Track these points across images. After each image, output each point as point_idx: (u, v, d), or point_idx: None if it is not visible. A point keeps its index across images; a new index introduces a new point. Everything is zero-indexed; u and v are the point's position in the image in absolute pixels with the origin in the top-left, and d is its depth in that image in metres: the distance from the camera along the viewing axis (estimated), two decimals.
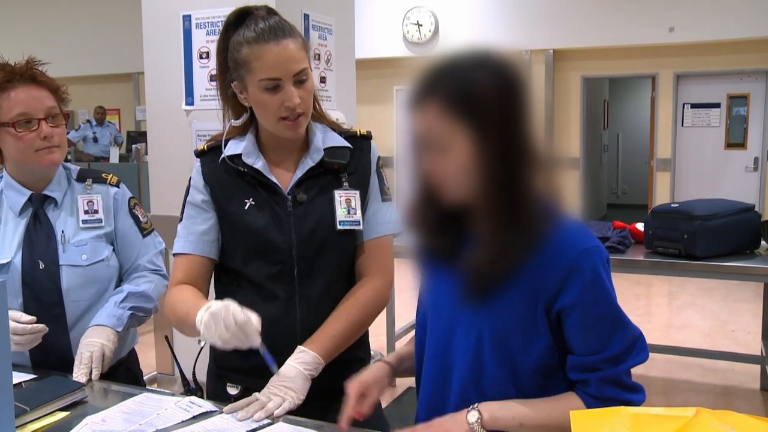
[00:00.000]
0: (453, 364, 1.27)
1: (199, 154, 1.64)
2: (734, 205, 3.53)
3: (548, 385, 1.22)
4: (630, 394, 1.19)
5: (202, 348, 1.67)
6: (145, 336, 3.36)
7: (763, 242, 3.50)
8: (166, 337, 1.85)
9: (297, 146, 1.60)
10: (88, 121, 10.17)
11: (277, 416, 1.37)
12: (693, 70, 8.39)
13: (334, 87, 3.82)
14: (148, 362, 3.82)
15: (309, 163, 1.57)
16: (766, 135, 8.26)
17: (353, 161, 1.61)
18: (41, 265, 1.72)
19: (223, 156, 1.58)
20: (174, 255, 1.61)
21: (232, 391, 1.60)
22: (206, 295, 1.58)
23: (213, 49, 3.27)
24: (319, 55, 3.67)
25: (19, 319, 1.61)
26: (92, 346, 1.65)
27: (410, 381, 1.47)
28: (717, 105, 8.45)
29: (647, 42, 8.15)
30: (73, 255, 1.75)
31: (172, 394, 1.53)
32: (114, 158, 8.79)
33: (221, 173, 1.59)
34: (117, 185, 1.88)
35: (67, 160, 1.86)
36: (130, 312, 1.76)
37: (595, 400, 1.18)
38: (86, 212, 1.80)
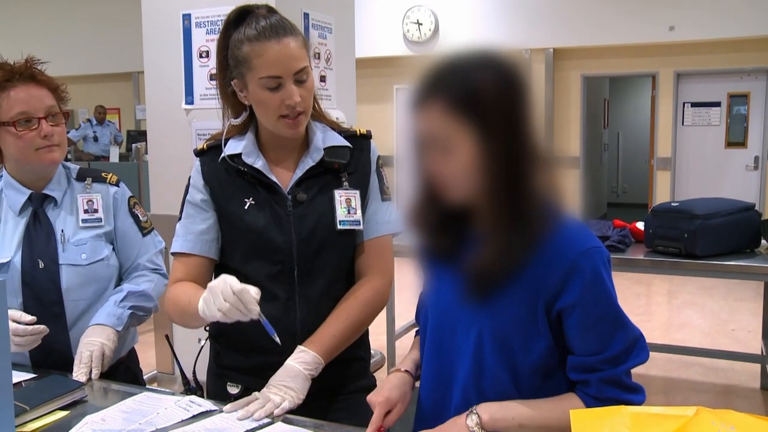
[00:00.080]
0: (453, 364, 1.27)
1: (198, 153, 1.64)
2: (734, 204, 3.53)
3: (548, 385, 1.21)
4: (630, 394, 1.18)
5: (202, 347, 1.67)
6: (145, 335, 3.37)
7: (763, 241, 3.50)
8: (167, 336, 1.85)
9: (297, 145, 1.59)
10: (88, 120, 10.16)
11: (277, 416, 1.37)
12: (693, 68, 8.39)
13: (333, 86, 3.82)
14: (149, 361, 3.82)
15: (309, 162, 1.57)
16: (766, 134, 8.26)
17: (353, 161, 1.61)
18: (41, 265, 1.72)
19: (222, 155, 1.58)
20: (172, 254, 1.61)
21: (233, 390, 1.60)
22: None
23: (213, 48, 3.27)
24: (318, 54, 3.66)
25: (20, 319, 1.61)
26: (92, 345, 1.65)
27: None
28: (717, 104, 8.44)
29: (647, 41, 8.15)
30: (73, 254, 1.75)
31: (172, 394, 1.53)
32: (114, 157, 8.79)
33: (221, 172, 1.59)
34: (117, 184, 1.88)
35: (67, 159, 1.86)
36: (130, 311, 1.76)
37: (595, 400, 1.18)
38: (86, 211, 1.80)
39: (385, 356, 4.30)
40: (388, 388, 1.34)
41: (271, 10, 1.53)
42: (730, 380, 4.25)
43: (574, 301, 1.15)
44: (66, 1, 11.30)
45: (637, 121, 12.34)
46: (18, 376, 1.57)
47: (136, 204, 1.91)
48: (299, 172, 1.57)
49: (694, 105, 8.53)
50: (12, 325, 1.59)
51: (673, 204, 3.64)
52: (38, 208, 1.77)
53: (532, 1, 8.45)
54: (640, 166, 11.72)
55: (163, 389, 1.61)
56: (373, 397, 1.32)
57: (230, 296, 1.33)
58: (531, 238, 1.16)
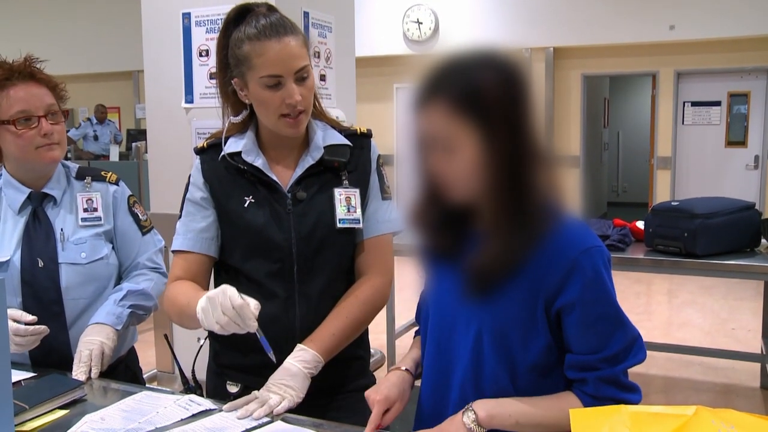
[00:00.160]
0: (453, 362, 1.27)
1: (198, 151, 1.64)
2: (734, 203, 3.53)
3: (546, 384, 1.21)
4: (627, 394, 1.18)
5: (201, 346, 1.67)
6: (145, 334, 3.37)
7: (763, 240, 3.50)
8: (166, 336, 1.85)
9: (297, 144, 1.59)
10: (89, 119, 10.17)
11: (277, 414, 1.37)
12: (693, 68, 8.39)
13: (333, 85, 3.81)
14: (148, 360, 3.82)
15: (309, 161, 1.57)
16: (766, 133, 8.25)
17: (353, 159, 1.61)
18: (40, 263, 1.72)
19: (222, 153, 1.57)
20: (172, 252, 1.61)
21: (232, 389, 1.60)
22: None
23: (212, 46, 3.27)
24: (318, 53, 3.66)
25: (20, 319, 1.61)
26: (92, 344, 1.65)
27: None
28: (717, 103, 8.44)
29: (648, 40, 8.14)
30: (73, 253, 1.75)
31: (172, 393, 1.53)
32: (114, 156, 8.79)
33: (221, 171, 1.59)
34: (116, 183, 1.88)
35: (67, 158, 1.86)
36: (130, 310, 1.76)
37: (592, 399, 1.18)
38: (85, 210, 1.80)
39: (385, 355, 4.30)
40: (386, 386, 1.34)
41: (271, 9, 1.53)
42: (730, 379, 4.25)
43: (574, 299, 1.15)
44: (66, 1, 11.29)
45: (638, 120, 12.34)
46: (17, 375, 1.56)
47: (136, 203, 1.90)
48: (299, 171, 1.57)
49: (694, 104, 8.53)
50: (13, 325, 1.59)
51: (673, 203, 3.64)
52: (38, 206, 1.77)
53: (533, 0, 8.44)
54: (640, 166, 11.72)
55: (162, 388, 1.61)
56: (371, 395, 1.32)
57: (229, 310, 1.33)
58: (532, 236, 1.16)
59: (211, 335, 1.66)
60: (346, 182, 1.59)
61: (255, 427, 1.33)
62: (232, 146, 1.57)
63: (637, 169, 12.31)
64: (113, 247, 1.84)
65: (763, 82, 8.22)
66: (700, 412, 1.01)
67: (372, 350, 4.11)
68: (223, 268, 1.63)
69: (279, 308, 1.54)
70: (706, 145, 8.53)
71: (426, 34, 8.84)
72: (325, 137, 1.59)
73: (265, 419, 1.35)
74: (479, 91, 1.13)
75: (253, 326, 1.34)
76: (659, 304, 6.50)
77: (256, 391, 1.43)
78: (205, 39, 3.46)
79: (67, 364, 1.65)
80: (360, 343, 1.65)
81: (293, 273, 1.54)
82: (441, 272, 1.32)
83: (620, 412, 1.05)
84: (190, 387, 1.60)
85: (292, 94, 1.47)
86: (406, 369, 1.39)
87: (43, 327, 1.62)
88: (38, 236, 1.74)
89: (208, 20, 3.45)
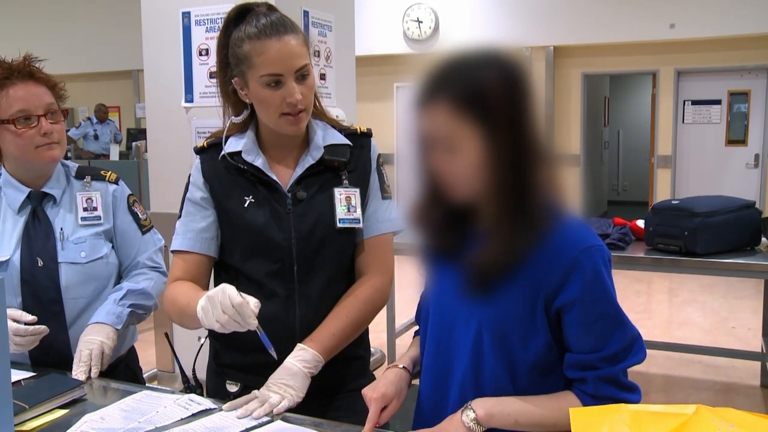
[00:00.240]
0: (452, 361, 1.27)
1: (198, 151, 1.64)
2: (735, 202, 3.53)
3: (546, 383, 1.21)
4: (627, 393, 1.18)
5: (202, 345, 1.67)
6: (145, 333, 3.37)
7: (763, 239, 3.50)
8: (166, 335, 1.85)
9: (297, 144, 1.59)
10: (89, 118, 10.17)
11: (277, 414, 1.37)
12: (694, 66, 8.38)
13: (333, 84, 3.81)
14: (149, 359, 3.82)
15: (309, 160, 1.57)
16: (766, 132, 8.25)
17: (353, 159, 1.61)
18: (40, 263, 1.72)
19: (223, 153, 1.57)
20: (172, 252, 1.61)
21: (232, 388, 1.60)
22: None
23: (212, 46, 3.27)
24: (318, 52, 3.66)
25: (20, 319, 1.61)
26: (91, 343, 1.65)
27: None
28: (718, 102, 8.44)
29: (648, 38, 8.14)
30: (72, 252, 1.75)
31: (172, 392, 1.53)
32: (114, 155, 8.80)
33: (221, 170, 1.59)
34: (116, 182, 1.88)
35: (67, 158, 1.86)
36: (130, 309, 1.76)
37: (591, 398, 1.18)
38: (85, 209, 1.80)
39: (386, 354, 4.30)
40: (384, 384, 1.34)
41: (271, 8, 1.52)
42: (730, 378, 4.25)
43: (574, 298, 1.15)
44: (66, 1, 11.29)
45: (638, 118, 12.34)
46: (17, 375, 1.56)
47: (135, 202, 1.90)
48: (299, 170, 1.57)
49: (694, 103, 8.53)
50: (13, 325, 1.59)
51: (673, 202, 3.65)
52: (37, 206, 1.77)
53: None
54: (640, 164, 11.72)
55: (162, 387, 1.61)
56: (368, 392, 1.32)
57: (229, 308, 1.33)
58: (533, 235, 1.16)
59: (212, 334, 1.65)
60: (346, 182, 1.59)
61: (255, 427, 1.33)
62: (232, 146, 1.57)
63: (637, 168, 12.31)
64: (113, 247, 1.84)
65: (763, 81, 8.21)
66: (701, 411, 1.01)
67: (372, 349, 4.10)
68: (223, 268, 1.63)
69: (279, 308, 1.54)
70: (707, 143, 8.53)
71: (426, 33, 8.84)
72: (325, 137, 1.59)
73: (265, 419, 1.35)
74: (482, 91, 1.13)
75: (253, 324, 1.34)
76: (659, 303, 6.50)
77: (256, 391, 1.43)
78: (205, 38, 3.46)
79: (66, 363, 1.65)
80: (360, 342, 1.65)
81: (293, 273, 1.54)
82: (441, 271, 1.32)
83: (620, 411, 1.05)
84: (191, 386, 1.60)
85: (293, 92, 1.47)
86: (403, 367, 1.39)
87: (42, 327, 1.62)
88: (38, 236, 1.74)
89: (207, 19, 3.45)
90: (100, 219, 1.81)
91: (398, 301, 4.24)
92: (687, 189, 8.34)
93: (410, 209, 1.32)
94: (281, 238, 1.54)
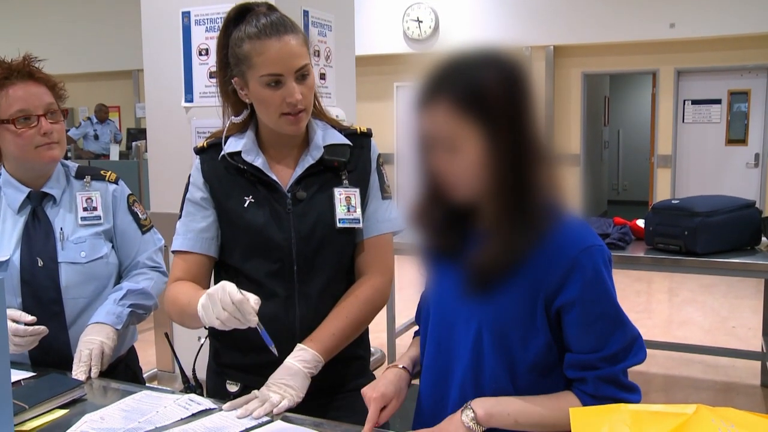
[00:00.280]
0: (453, 361, 1.27)
1: (198, 151, 1.64)
2: (735, 202, 3.53)
3: (545, 383, 1.21)
4: (627, 393, 1.18)
5: (202, 345, 1.67)
6: (145, 333, 3.37)
7: (763, 238, 3.49)
8: (166, 335, 1.85)
9: (297, 143, 1.59)
10: (89, 118, 10.17)
11: (276, 414, 1.37)
12: (694, 66, 8.38)
13: (333, 84, 3.81)
14: (149, 359, 3.82)
15: (309, 160, 1.57)
16: (766, 131, 8.25)
17: (353, 159, 1.61)
18: (40, 263, 1.72)
19: (222, 153, 1.57)
20: (173, 252, 1.61)
21: (232, 388, 1.60)
22: None
23: (212, 45, 3.27)
24: (318, 51, 3.66)
25: (20, 319, 1.61)
26: (91, 343, 1.65)
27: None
28: (718, 101, 8.44)
29: (648, 38, 8.14)
30: (72, 252, 1.75)
31: (172, 392, 1.53)
32: (114, 155, 8.80)
33: (221, 170, 1.59)
34: (116, 182, 1.88)
35: (67, 158, 1.86)
36: (130, 309, 1.76)
37: (591, 398, 1.18)
38: (85, 209, 1.80)
39: (386, 354, 4.30)
40: (383, 384, 1.34)
41: (271, 8, 1.52)
42: (730, 377, 4.25)
43: (574, 298, 1.15)
44: (66, 1, 11.28)
45: (638, 118, 12.34)
46: (17, 375, 1.56)
47: (135, 202, 1.90)
48: (299, 170, 1.57)
49: (694, 102, 8.53)
50: (12, 325, 1.59)
51: (673, 201, 3.64)
52: (37, 206, 1.77)
53: None
54: (640, 164, 11.72)
55: (162, 387, 1.61)
56: (368, 392, 1.32)
57: (229, 305, 1.33)
58: (533, 235, 1.16)
59: (212, 334, 1.66)
60: (346, 182, 1.59)
61: (255, 427, 1.33)
62: (231, 146, 1.57)
63: (637, 168, 12.31)
64: (113, 246, 1.84)
65: (763, 80, 8.21)
66: (701, 410, 1.01)
67: (372, 349, 4.11)
68: (223, 268, 1.63)
69: (279, 308, 1.54)
70: (707, 143, 8.53)
71: (426, 33, 8.84)
72: (325, 137, 1.59)
73: (265, 418, 1.35)
74: (482, 91, 1.13)
75: (253, 321, 1.34)
76: (659, 303, 6.50)
77: (256, 391, 1.43)
78: (205, 38, 3.46)
79: (66, 363, 1.65)
80: (360, 342, 1.65)
81: (293, 273, 1.54)
82: (442, 271, 1.32)
83: (620, 410, 1.05)
84: (191, 386, 1.60)
85: (293, 92, 1.47)
86: (403, 367, 1.39)
87: (42, 327, 1.62)
88: (38, 235, 1.74)
89: (207, 19, 3.45)
90: (100, 219, 1.81)
91: (398, 301, 4.24)
92: (687, 188, 8.34)
93: (410, 209, 1.32)
94: (281, 238, 1.54)
